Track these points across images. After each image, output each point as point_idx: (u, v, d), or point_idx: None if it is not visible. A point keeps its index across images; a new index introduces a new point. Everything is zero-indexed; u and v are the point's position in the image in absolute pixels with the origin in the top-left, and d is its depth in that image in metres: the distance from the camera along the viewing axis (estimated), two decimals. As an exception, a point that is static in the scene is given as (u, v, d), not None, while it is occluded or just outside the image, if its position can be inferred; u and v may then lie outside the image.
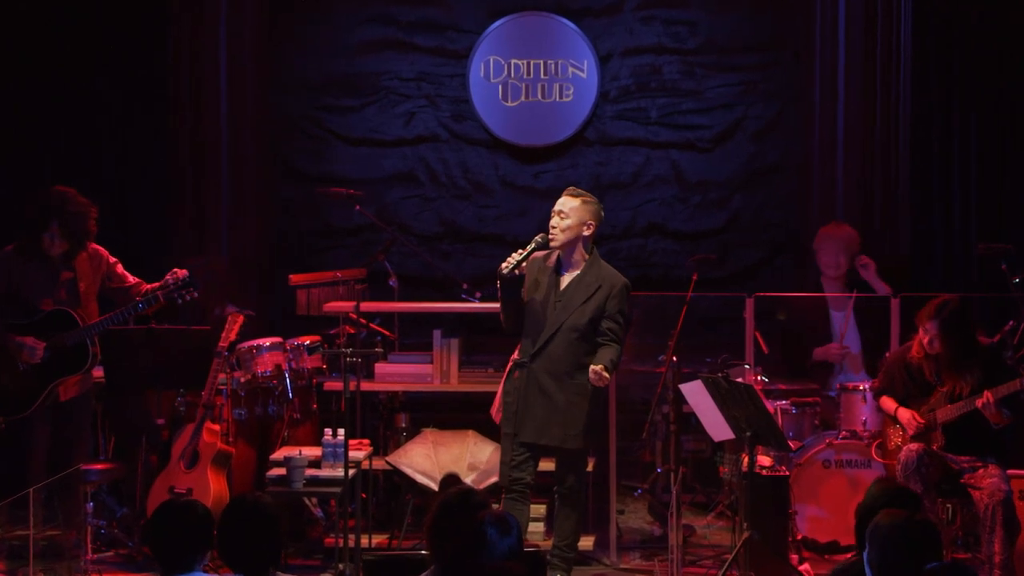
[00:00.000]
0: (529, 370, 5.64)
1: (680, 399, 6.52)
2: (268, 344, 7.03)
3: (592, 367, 5.47)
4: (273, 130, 8.52)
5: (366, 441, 6.61)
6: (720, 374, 6.08)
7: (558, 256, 5.73)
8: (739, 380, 6.15)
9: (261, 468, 6.51)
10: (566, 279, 5.68)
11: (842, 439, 6.44)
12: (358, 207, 7.69)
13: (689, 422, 6.86)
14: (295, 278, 7.63)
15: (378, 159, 8.54)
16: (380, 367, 7.03)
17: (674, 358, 6.84)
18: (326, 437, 6.16)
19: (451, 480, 6.36)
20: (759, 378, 6.79)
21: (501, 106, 8.41)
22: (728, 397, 5.83)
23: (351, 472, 6.07)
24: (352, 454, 6.13)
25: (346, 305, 7.15)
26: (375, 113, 8.53)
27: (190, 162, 8.20)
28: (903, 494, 4.39)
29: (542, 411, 5.59)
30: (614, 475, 6.69)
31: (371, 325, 7.48)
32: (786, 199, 8.38)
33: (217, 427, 6.60)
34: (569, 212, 5.67)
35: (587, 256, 5.68)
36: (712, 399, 5.90)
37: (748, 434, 5.80)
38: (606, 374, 5.46)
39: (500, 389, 5.91)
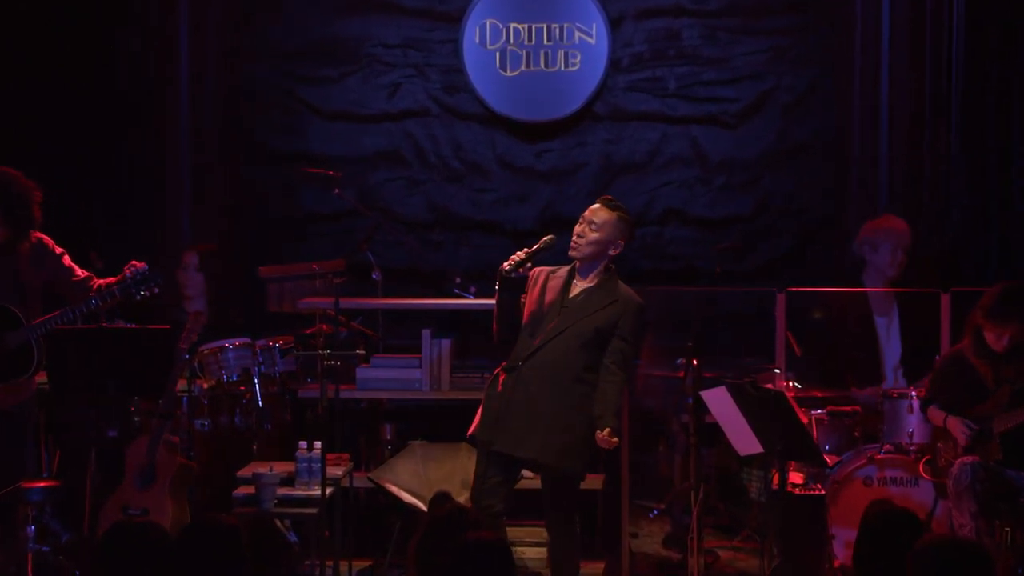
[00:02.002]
0: (519, 374, 5.60)
1: (702, 408, 6.50)
2: (235, 345, 7.02)
3: (598, 433, 5.42)
4: (240, 104, 8.51)
5: (346, 455, 6.60)
6: (747, 379, 6.07)
7: (573, 267, 5.71)
8: (768, 386, 6.13)
9: (227, 486, 6.49)
10: (578, 287, 5.66)
11: (886, 453, 6.43)
12: (337, 190, 7.68)
13: (712, 434, 6.85)
14: (265, 271, 7.62)
15: (359, 136, 8.52)
16: (362, 372, 7.02)
17: (695, 361, 6.83)
18: (300, 451, 6.14)
19: (442, 499, 6.30)
20: (791, 384, 6.78)
21: (499, 76, 8.40)
22: (756, 405, 5.81)
23: (329, 491, 6.05)
24: (330, 470, 6.11)
25: (323, 301, 7.13)
26: (356, 84, 8.51)
27: (145, 141, 8.18)
28: (907, 520, 4.39)
29: (523, 419, 5.54)
30: (627, 493, 6.69)
31: (352, 324, 7.47)
32: (821, 181, 8.37)
33: (177, 439, 6.58)
34: (601, 225, 5.64)
35: (605, 273, 5.68)
36: (738, 408, 5.88)
37: (778, 447, 5.78)
38: (615, 439, 5.41)
39: (480, 407, 5.81)
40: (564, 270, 5.74)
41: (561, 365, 5.57)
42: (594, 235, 5.62)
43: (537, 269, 5.79)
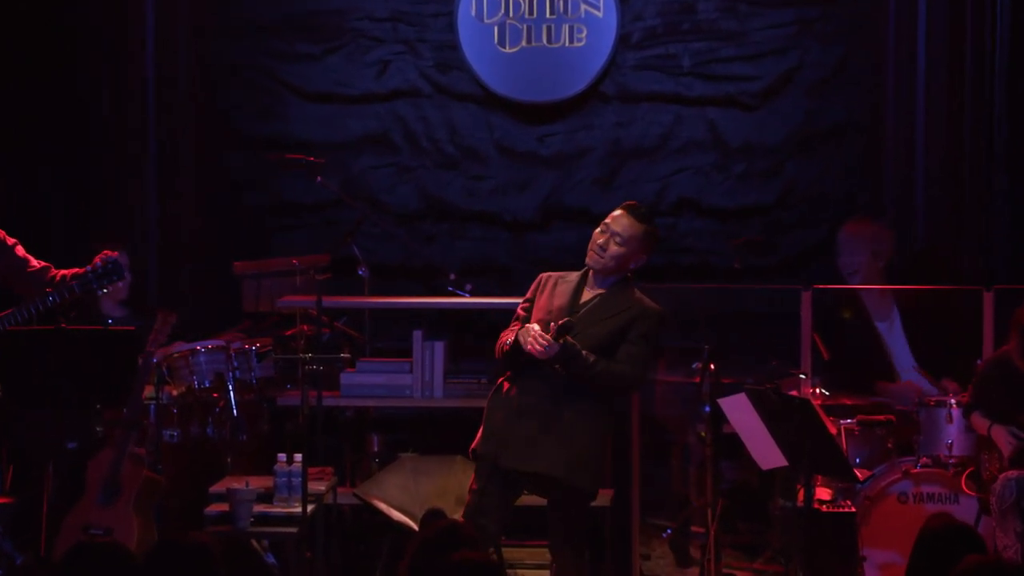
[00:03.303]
0: (524, 382, 5.57)
1: (719, 417, 6.49)
2: (207, 348, 7.01)
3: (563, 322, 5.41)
4: (213, 84, 8.50)
5: (329, 469, 6.59)
6: (769, 386, 6.06)
7: (586, 272, 5.69)
8: (793, 393, 6.12)
9: (198, 503, 6.48)
10: (589, 293, 5.64)
11: (922, 467, 6.42)
12: (319, 178, 7.68)
13: (730, 445, 6.84)
14: (240, 266, 7.61)
15: (344, 118, 8.52)
16: (347, 377, 7.01)
17: (711, 366, 6.82)
18: (279, 464, 6.13)
19: (434, 517, 6.33)
20: (818, 391, 6.78)
21: (497, 53, 8.39)
22: (779, 414, 5.80)
23: (310, 508, 6.04)
24: (312, 485, 6.10)
25: (305, 300, 7.12)
26: (340, 62, 8.51)
27: (110, 125, 8.18)
28: (966, 536, 4.38)
29: (530, 430, 5.52)
30: (637, 511, 6.68)
31: (336, 325, 7.47)
32: (852, 167, 8.36)
33: (143, 452, 6.57)
34: (628, 240, 5.58)
35: (621, 282, 5.66)
36: (759, 417, 5.87)
37: (804, 460, 5.77)
38: (546, 341, 5.36)
39: (483, 419, 5.77)
40: (575, 275, 5.71)
41: (560, 370, 5.54)
42: (618, 250, 5.56)
43: (546, 275, 5.77)
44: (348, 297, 7.54)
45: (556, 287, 5.69)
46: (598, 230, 5.62)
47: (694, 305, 7.20)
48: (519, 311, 5.74)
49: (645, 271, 8.15)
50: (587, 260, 5.65)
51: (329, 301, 7.15)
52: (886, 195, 8.08)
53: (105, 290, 6.11)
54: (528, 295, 5.75)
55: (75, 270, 6.16)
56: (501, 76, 8.41)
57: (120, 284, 6.20)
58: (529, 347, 5.41)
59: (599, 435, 5.55)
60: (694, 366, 7.04)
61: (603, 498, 6.83)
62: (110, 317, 7.10)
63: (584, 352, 5.44)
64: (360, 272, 7.62)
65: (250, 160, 8.45)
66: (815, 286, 6.91)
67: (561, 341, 5.39)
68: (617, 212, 5.63)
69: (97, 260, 6.06)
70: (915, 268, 7.56)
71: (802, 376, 6.72)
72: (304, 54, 8.51)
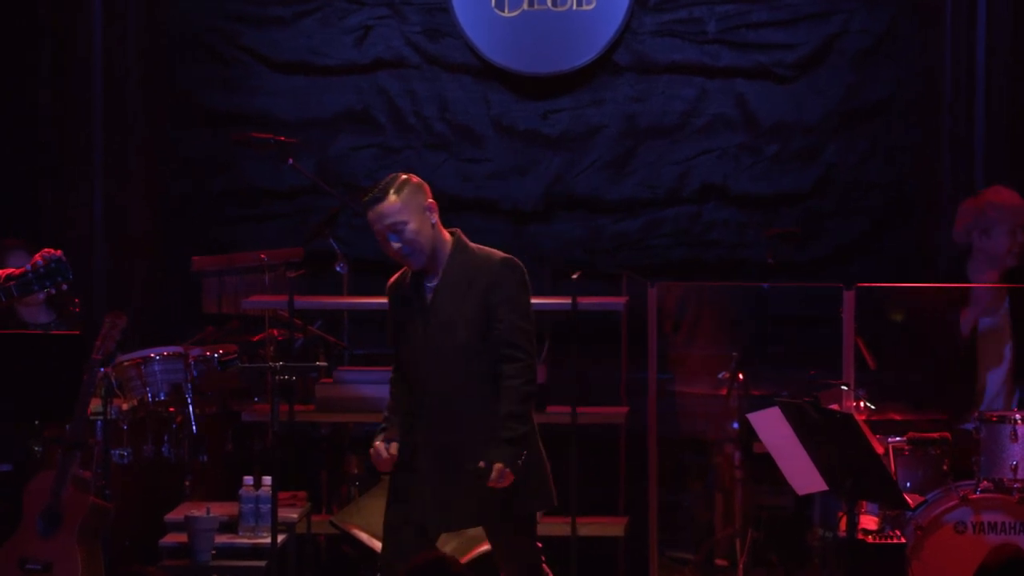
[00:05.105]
0: (423, 432, 5.50)
1: (749, 434, 6.49)
2: (163, 356, 7.01)
3: (479, 466, 5.31)
4: (168, 52, 8.49)
5: (303, 494, 6.59)
6: (807, 399, 6.05)
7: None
8: (834, 407, 6.11)
9: (153, 533, 6.48)
10: (431, 287, 5.57)
11: (983, 492, 6.42)
12: (291, 160, 7.67)
13: (762, 467, 6.85)
14: (201, 261, 7.60)
15: (319, 92, 8.52)
16: (323, 389, 7.02)
17: (740, 376, 6.82)
18: (245, 489, 6.13)
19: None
20: (862, 404, 6.77)
21: (495, 17, 8.39)
22: (818, 431, 5.80)
23: (281, 538, 6.04)
24: (282, 513, 6.10)
25: (274, 300, 7.12)
26: (314, 26, 8.51)
27: (48, 99, 8.18)
28: None
29: (456, 484, 5.45)
30: (655, 541, 6.69)
31: (310, 329, 7.46)
32: (901, 149, 8.36)
33: (89, 474, 6.56)
34: (406, 219, 5.40)
35: (448, 242, 5.57)
36: (795, 434, 5.87)
37: (846, 484, 5.77)
38: (508, 471, 5.27)
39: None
40: (406, 273, 5.58)
41: (465, 395, 5.46)
42: (409, 235, 5.46)
43: (389, 284, 5.63)
44: (324, 297, 7.54)
45: (401, 300, 5.58)
46: (382, 244, 5.45)
47: (721, 306, 7.21)
48: (389, 335, 5.66)
49: (665, 266, 8.24)
50: (413, 269, 5.52)
51: (302, 301, 7.16)
52: (942, 182, 8.06)
53: (52, 291, 6.13)
54: (388, 315, 5.64)
55: (11, 270, 6.16)
56: (499, 44, 8.40)
57: (65, 286, 6.20)
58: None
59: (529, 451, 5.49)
60: (720, 376, 7.04)
61: (616, 527, 6.84)
62: (32, 323, 7.05)
63: (506, 440, 5.34)
64: (338, 268, 7.61)
65: (210, 140, 8.44)
66: (859, 284, 6.90)
67: (499, 466, 5.32)
68: (371, 216, 5.43)
69: (38, 258, 6.06)
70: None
71: (844, 387, 6.71)
72: (272, 17, 8.51)
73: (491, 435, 5.36)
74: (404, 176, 5.47)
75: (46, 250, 6.08)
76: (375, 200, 5.40)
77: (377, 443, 5.41)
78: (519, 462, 5.31)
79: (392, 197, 5.41)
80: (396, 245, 5.40)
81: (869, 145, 8.40)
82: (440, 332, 5.43)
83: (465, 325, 5.42)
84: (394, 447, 5.39)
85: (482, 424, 5.38)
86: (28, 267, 6.03)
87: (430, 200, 5.46)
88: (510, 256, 5.49)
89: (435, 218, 5.46)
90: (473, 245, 5.52)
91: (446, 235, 5.50)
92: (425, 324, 5.45)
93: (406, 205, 5.42)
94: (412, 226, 5.40)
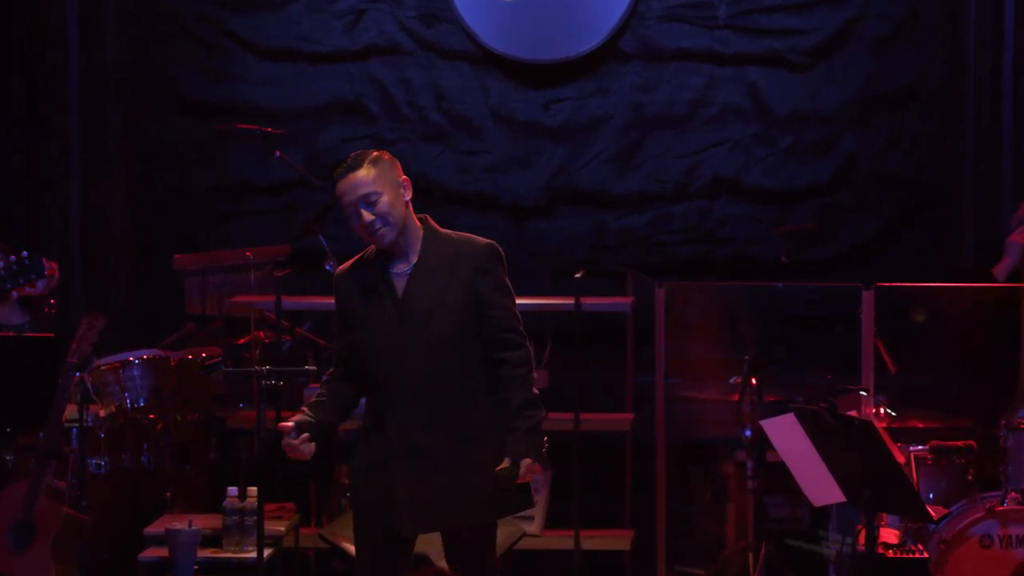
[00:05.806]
0: (395, 430, 5.48)
1: (763, 442, 6.49)
2: (142, 360, 7.00)
3: (503, 467, 5.30)
4: (149, 39, 8.49)
5: (290, 506, 6.60)
6: (823, 405, 6.05)
7: (378, 253, 5.56)
8: (852, 413, 6.10)
9: (132, 547, 6.48)
10: (402, 274, 5.54)
11: (1011, 504, 6.41)
12: (278, 152, 7.66)
13: (776, 477, 6.84)
14: (183, 259, 7.60)
15: (308, 81, 8.53)
16: (312, 394, 6.99)
17: (753, 380, 6.81)
18: (230, 500, 6.12)
19: (418, 564, 6.34)
20: (883, 411, 6.77)
21: (494, 1, 8.39)
22: (835, 439, 5.79)
23: (267, 552, 6.03)
24: (269, 525, 6.10)
25: (260, 300, 7.12)
26: (303, 11, 8.52)
27: (22, 88, 8.17)
28: None
29: (430, 484, 5.45)
30: (663, 556, 6.68)
31: (298, 331, 7.45)
32: (923, 141, 8.36)
33: (63, 485, 6.55)
34: (380, 190, 5.42)
35: (420, 227, 5.57)
36: (811, 442, 5.86)
37: (865, 495, 5.76)
38: (536, 464, 5.24)
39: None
40: (361, 259, 5.57)
41: (441, 390, 5.44)
42: (383, 207, 5.45)
43: (337, 274, 5.55)
44: (313, 297, 7.52)
45: (360, 289, 5.53)
46: (351, 219, 5.45)
47: (732, 307, 7.20)
48: (339, 330, 5.62)
49: (673, 264, 8.24)
50: (379, 248, 5.48)
51: (290, 302, 7.16)
52: (965, 175, 8.06)
53: (27, 290, 6.14)
54: (336, 308, 5.56)
55: (-22, 271, 6.17)
56: (498, 29, 8.40)
57: (39, 284, 6.19)
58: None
59: (500, 443, 5.47)
60: (732, 381, 7.03)
61: (622, 541, 6.83)
62: (5, 324, 7.04)
63: (525, 429, 5.35)
64: (327, 267, 7.58)
65: (194, 131, 8.44)
66: (878, 284, 6.91)
67: (528, 462, 5.31)
68: (344, 186, 5.38)
69: (11, 255, 6.07)
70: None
71: (863, 393, 6.71)
72: (259, 2, 8.52)
73: (478, 432, 5.34)
74: (376, 152, 5.44)
75: (23, 252, 6.09)
76: (349, 169, 5.37)
77: (285, 438, 5.30)
78: (544, 451, 5.28)
79: (367, 167, 5.38)
80: (368, 217, 5.33)
81: (889, 136, 8.41)
82: (416, 322, 5.36)
83: (447, 314, 5.37)
84: (304, 437, 5.33)
85: (463, 420, 5.33)
86: (8, 263, 6.03)
87: (404, 177, 5.44)
88: (490, 240, 5.46)
89: (408, 195, 5.43)
90: (444, 230, 5.48)
91: (416, 219, 5.47)
92: (397, 314, 5.41)
93: (381, 176, 5.39)
94: (386, 198, 5.37)
